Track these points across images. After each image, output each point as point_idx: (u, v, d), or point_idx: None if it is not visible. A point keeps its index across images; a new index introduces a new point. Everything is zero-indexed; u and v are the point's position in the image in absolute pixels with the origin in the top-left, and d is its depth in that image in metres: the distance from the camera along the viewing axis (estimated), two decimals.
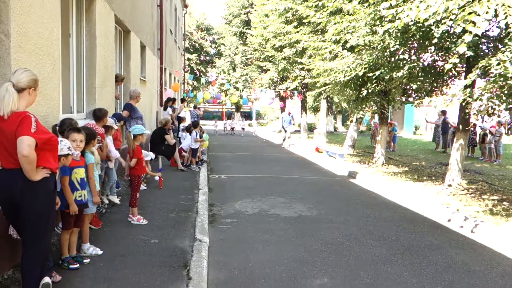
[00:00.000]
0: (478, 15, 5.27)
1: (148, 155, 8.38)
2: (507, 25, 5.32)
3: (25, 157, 3.12)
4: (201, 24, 49.20)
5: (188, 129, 12.03)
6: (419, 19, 5.93)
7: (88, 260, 4.49)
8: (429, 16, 5.96)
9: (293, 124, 21.33)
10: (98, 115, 6.25)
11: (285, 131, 20.84)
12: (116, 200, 6.89)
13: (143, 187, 8.28)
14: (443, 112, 18.86)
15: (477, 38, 7.67)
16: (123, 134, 8.29)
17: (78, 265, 4.30)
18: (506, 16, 5.13)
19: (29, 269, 3.36)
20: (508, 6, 5.10)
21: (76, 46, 7.01)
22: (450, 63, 6.29)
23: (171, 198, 7.71)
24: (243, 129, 32.10)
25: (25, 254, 3.38)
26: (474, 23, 5.29)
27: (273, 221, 6.76)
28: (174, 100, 14.96)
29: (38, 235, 3.39)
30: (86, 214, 4.69)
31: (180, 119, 15.30)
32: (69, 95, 6.92)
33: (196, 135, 11.61)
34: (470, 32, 5.22)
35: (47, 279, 3.38)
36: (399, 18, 6.24)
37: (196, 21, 48.59)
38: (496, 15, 5.51)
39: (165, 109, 14.32)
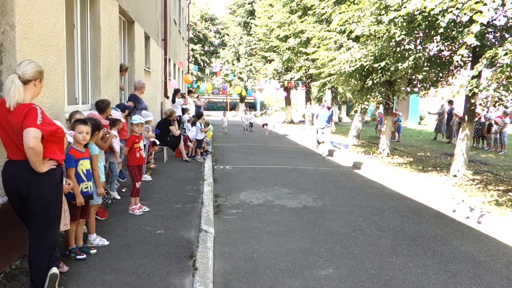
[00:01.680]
0: (485, 4, 5.21)
1: (149, 116, 8.32)
2: None
3: (32, 149, 3.13)
4: (205, 14, 48.96)
5: (193, 122, 12.01)
6: (425, 8, 5.87)
7: (95, 250, 4.53)
8: (436, 6, 5.89)
9: (330, 126, 13.79)
10: (101, 106, 6.25)
11: (322, 133, 13.82)
12: (116, 196, 6.88)
13: (148, 178, 8.32)
14: (450, 102, 18.76)
15: (483, 27, 7.59)
16: (128, 125, 8.30)
17: (85, 255, 4.33)
18: None
19: (37, 259, 3.38)
20: None
21: (80, 37, 6.99)
22: (458, 55, 6.23)
23: (176, 189, 7.74)
24: (251, 124, 23.63)
25: (32, 245, 3.40)
26: (481, 12, 5.24)
27: (278, 211, 6.78)
28: (179, 91, 14.83)
29: (45, 226, 3.41)
30: (92, 205, 4.71)
31: (184, 110, 15.28)
32: (74, 86, 6.92)
33: (201, 126, 11.61)
34: (477, 22, 5.17)
35: (54, 270, 3.40)
36: (405, 7, 6.18)
37: (200, 11, 48.35)
38: (503, 4, 5.45)
39: (173, 101, 14.24)
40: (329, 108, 13.95)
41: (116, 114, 6.67)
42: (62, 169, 3.60)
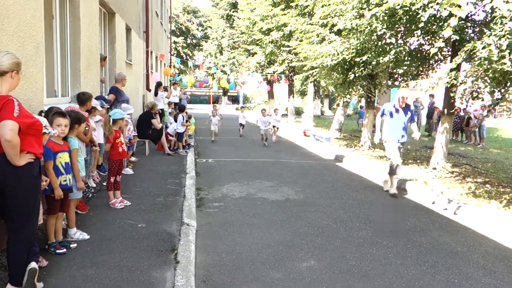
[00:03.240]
0: None
1: (129, 109, 8.27)
2: (492, 8, 5.35)
3: (8, 142, 3.07)
4: (187, 6, 48.60)
5: (176, 115, 11.92)
6: (406, 3, 5.92)
7: (75, 244, 4.48)
8: (416, 1, 5.96)
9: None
10: (82, 98, 6.16)
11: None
12: (92, 183, 6.85)
13: (129, 171, 8.26)
14: (431, 96, 19.12)
15: (462, 22, 7.70)
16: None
17: (64, 250, 4.29)
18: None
19: (15, 254, 3.33)
20: None
21: (59, 28, 6.88)
22: (436, 47, 6.33)
23: (158, 182, 7.70)
24: (241, 125, 17.30)
25: (11, 240, 3.35)
26: (459, 6, 5.31)
27: (260, 204, 6.80)
28: (161, 84, 14.67)
29: (23, 220, 3.36)
30: (71, 199, 4.65)
31: (169, 104, 15.17)
32: (53, 79, 6.81)
33: (183, 119, 11.55)
34: (456, 16, 5.24)
35: (33, 264, 3.36)
36: (386, 2, 6.23)
37: (182, 3, 47.97)
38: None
39: (156, 94, 14.11)
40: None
41: (94, 102, 6.55)
42: (40, 163, 3.55)
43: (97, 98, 7.56)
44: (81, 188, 4.72)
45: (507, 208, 6.77)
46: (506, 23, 5.63)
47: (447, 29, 5.60)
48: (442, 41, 6.27)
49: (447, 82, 7.00)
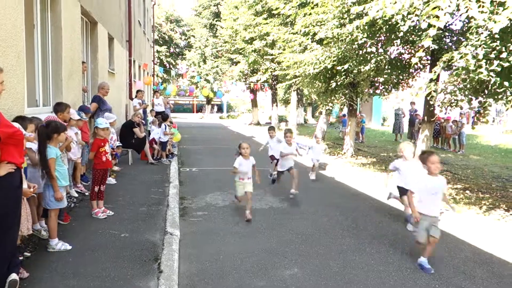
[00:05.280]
0: (442, 9, 5.42)
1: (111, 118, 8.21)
2: (468, 18, 5.50)
3: None
4: (170, 15, 48.51)
5: (159, 123, 11.84)
6: (385, 15, 6.04)
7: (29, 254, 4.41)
8: (395, 13, 6.09)
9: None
10: (57, 108, 6.12)
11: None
12: (74, 193, 6.82)
13: (112, 181, 8.19)
14: (413, 104, 19.51)
15: (441, 31, 7.88)
16: (91, 127, 8.15)
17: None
18: (467, 9, 5.29)
19: None
20: (469, 0, 5.27)
21: (41, 37, 6.83)
22: (416, 57, 6.46)
23: (142, 191, 7.65)
24: (274, 159, 9.22)
25: None
26: (438, 17, 5.45)
27: (244, 213, 6.80)
28: (138, 91, 14.54)
29: (3, 231, 3.32)
30: (52, 209, 4.60)
31: (150, 112, 15.09)
32: (35, 88, 6.74)
33: (165, 128, 11.51)
34: (434, 26, 5.37)
35: (14, 276, 3.32)
36: (366, 14, 6.35)
37: (165, 12, 47.88)
38: (458, 9, 5.68)
39: (131, 98, 14.11)
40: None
41: (71, 111, 6.48)
42: (21, 173, 3.51)
43: (80, 109, 7.53)
44: (57, 198, 4.59)
45: (486, 213, 6.91)
46: (482, 33, 5.78)
47: (426, 39, 5.72)
48: (422, 51, 6.41)
49: (428, 94, 7.14)
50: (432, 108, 9.42)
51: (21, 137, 3.42)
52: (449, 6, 5.34)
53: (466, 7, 5.29)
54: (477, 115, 7.01)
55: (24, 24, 5.53)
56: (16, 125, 3.78)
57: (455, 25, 8.86)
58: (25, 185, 3.74)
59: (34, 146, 4.68)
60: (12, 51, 4.95)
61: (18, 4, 5.20)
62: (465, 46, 6.02)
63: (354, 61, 10.10)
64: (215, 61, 39.94)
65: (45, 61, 7.04)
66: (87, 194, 7.10)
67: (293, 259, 4.89)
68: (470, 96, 6.91)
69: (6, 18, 4.80)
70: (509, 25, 5.36)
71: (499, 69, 5.72)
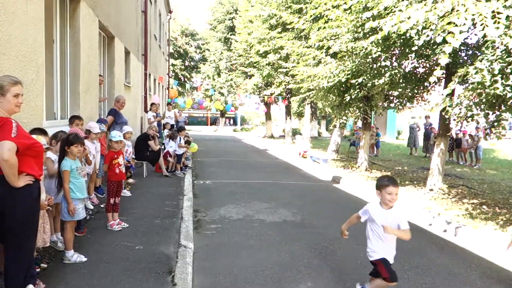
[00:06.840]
0: (457, 25, 5.40)
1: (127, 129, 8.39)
2: (484, 34, 5.45)
3: (5, 161, 3.11)
4: (185, 29, 49.16)
5: (173, 136, 11.93)
6: (400, 30, 6.04)
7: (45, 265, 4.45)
8: (410, 28, 6.09)
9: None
10: (71, 120, 6.27)
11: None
12: (90, 205, 6.92)
13: (127, 193, 8.27)
14: (427, 117, 19.42)
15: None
16: (106, 140, 8.26)
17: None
18: (483, 26, 5.26)
19: (12, 276, 3.34)
20: (485, 16, 5.23)
21: (60, 52, 7.00)
22: (434, 76, 6.43)
23: (156, 204, 7.70)
24: None
25: (8, 262, 3.36)
26: (453, 33, 5.42)
27: (257, 226, 6.81)
28: (152, 104, 14.67)
29: (21, 243, 3.38)
30: (67, 222, 4.66)
31: (164, 125, 15.22)
32: (53, 101, 6.89)
33: (180, 141, 11.60)
34: (450, 43, 5.34)
35: (30, 287, 3.36)
36: (381, 29, 6.36)
37: (180, 26, 48.53)
38: (473, 24, 5.66)
39: (146, 111, 14.25)
40: None
41: (91, 124, 6.62)
42: (40, 184, 3.58)
43: (98, 121, 7.66)
44: (69, 210, 4.62)
45: (503, 229, 6.80)
46: (497, 47, 5.74)
47: (443, 57, 5.66)
48: (440, 69, 6.37)
49: (444, 109, 7.09)
50: (447, 122, 9.34)
51: (40, 149, 3.49)
52: (464, 24, 5.30)
53: (482, 24, 5.25)
54: (491, 128, 6.91)
55: (44, 39, 5.67)
56: (40, 139, 3.84)
57: (471, 39, 8.81)
58: (43, 196, 3.80)
59: (53, 156, 4.77)
60: (32, 66, 5.07)
61: (39, 21, 5.35)
62: (481, 61, 5.98)
63: (368, 75, 10.09)
64: (230, 74, 40.22)
65: (63, 75, 7.20)
66: (102, 206, 7.18)
67: (306, 273, 4.87)
68: (486, 111, 6.83)
69: (28, 34, 4.94)
70: None
71: None
